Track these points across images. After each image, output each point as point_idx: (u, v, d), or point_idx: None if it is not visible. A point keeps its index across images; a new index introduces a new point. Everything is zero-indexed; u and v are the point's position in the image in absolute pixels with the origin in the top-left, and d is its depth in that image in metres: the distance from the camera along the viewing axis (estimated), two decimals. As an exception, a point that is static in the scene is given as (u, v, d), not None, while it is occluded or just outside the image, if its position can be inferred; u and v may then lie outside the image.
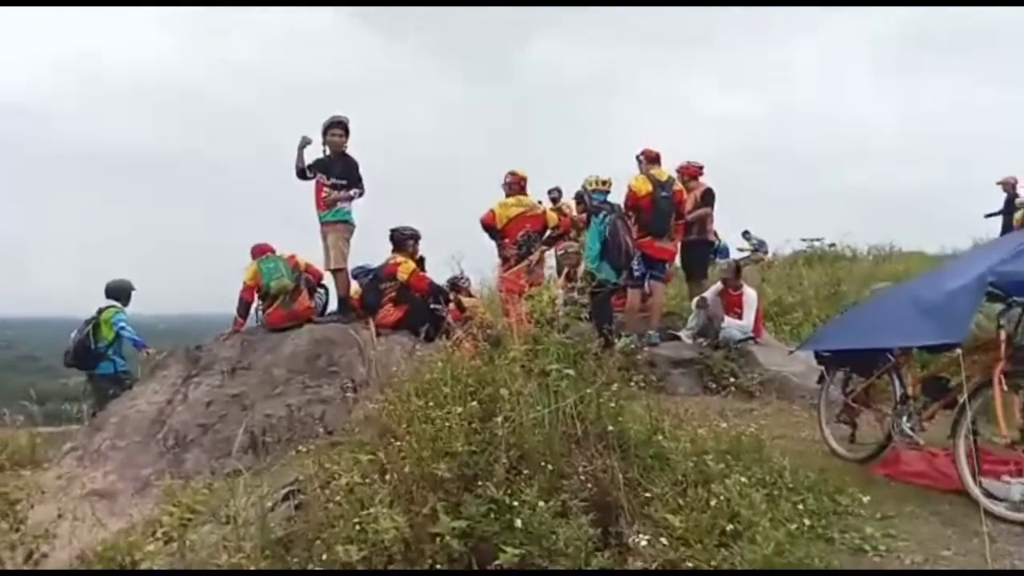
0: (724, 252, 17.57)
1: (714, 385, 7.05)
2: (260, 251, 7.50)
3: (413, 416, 4.55)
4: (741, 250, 18.83)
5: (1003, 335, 3.91)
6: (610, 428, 4.51)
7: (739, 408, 6.47)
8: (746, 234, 19.90)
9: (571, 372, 4.72)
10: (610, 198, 7.64)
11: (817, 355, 5.30)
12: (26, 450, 7.93)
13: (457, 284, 7.84)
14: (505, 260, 7.16)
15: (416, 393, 4.91)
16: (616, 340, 6.01)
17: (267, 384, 6.67)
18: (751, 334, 7.70)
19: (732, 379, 7.00)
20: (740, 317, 7.66)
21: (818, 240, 15.97)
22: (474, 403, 4.50)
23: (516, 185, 7.47)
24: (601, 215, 7.26)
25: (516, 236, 7.20)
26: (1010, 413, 3.75)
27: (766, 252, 18.18)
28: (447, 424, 4.32)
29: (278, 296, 7.19)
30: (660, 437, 4.76)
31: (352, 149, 7.28)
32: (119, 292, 7.97)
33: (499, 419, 4.32)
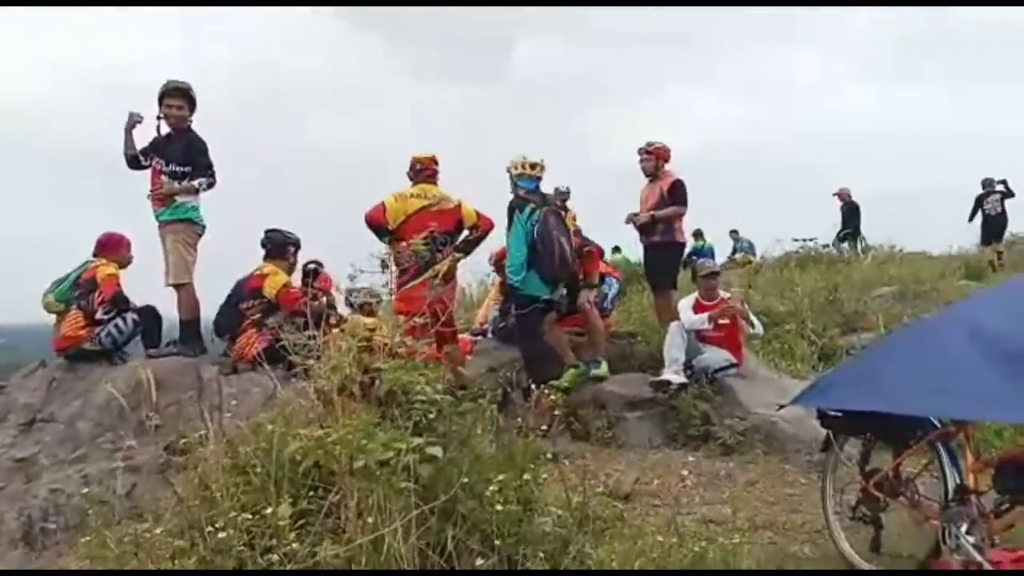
0: (708, 255, 15.89)
1: (680, 435, 5.31)
2: (100, 245, 5.77)
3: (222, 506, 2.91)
4: (730, 257, 17.18)
5: None
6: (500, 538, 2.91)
7: (711, 471, 4.75)
8: (734, 233, 18.30)
9: (437, 453, 3.03)
10: (543, 186, 5.85)
11: (821, 414, 3.53)
12: None
13: (351, 301, 6.06)
14: (404, 271, 5.37)
15: (235, 469, 3.26)
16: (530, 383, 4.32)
17: (68, 443, 4.91)
18: (733, 360, 5.93)
19: (704, 426, 5.25)
20: (724, 341, 5.92)
21: (811, 240, 14.23)
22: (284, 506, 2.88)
23: (423, 172, 5.67)
24: (527, 209, 5.47)
25: (416, 238, 5.40)
26: None
27: (754, 254, 16.50)
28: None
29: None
30: (581, 540, 3.12)
31: (202, 126, 5.53)
32: None
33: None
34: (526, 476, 3.27)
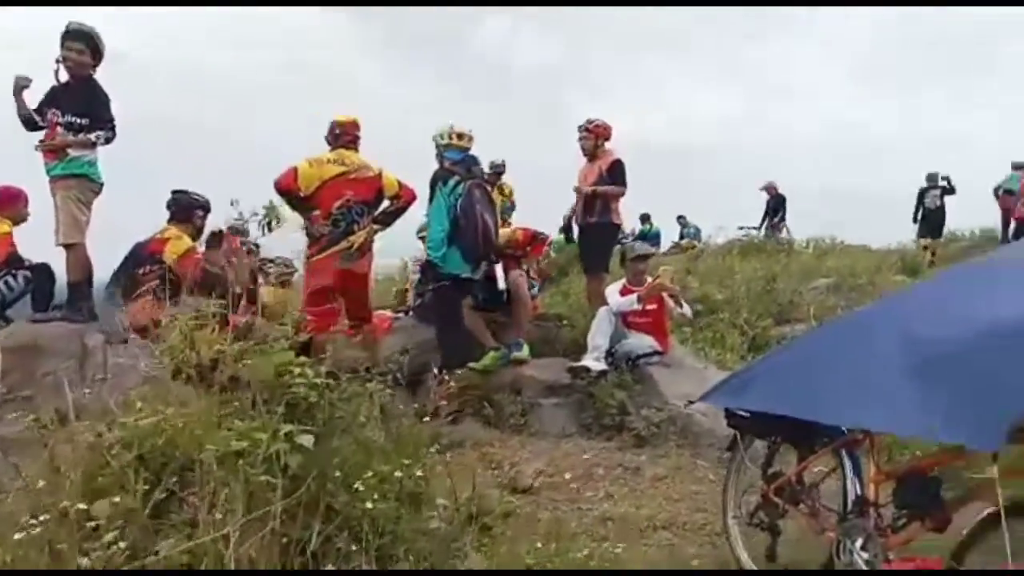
0: (655, 240, 15.89)
1: (595, 424, 5.13)
2: None
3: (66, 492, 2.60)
4: (676, 242, 17.22)
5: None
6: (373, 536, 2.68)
7: (620, 463, 4.57)
8: (681, 219, 18.32)
9: (306, 442, 2.76)
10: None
11: (728, 412, 3.36)
12: None
13: (262, 269, 5.73)
14: (315, 240, 5.04)
15: (94, 450, 2.94)
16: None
17: (-69, 414, 4.50)
18: (657, 347, 5.75)
19: (620, 416, 5.08)
20: (650, 327, 5.75)
21: (755, 228, 14.29)
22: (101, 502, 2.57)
23: (342, 136, 5.30)
24: (452, 182, 5.19)
25: (331, 207, 5.05)
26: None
27: (700, 240, 16.52)
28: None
29: None
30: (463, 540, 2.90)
31: (106, 79, 5.07)
32: None
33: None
34: (405, 468, 3.02)
